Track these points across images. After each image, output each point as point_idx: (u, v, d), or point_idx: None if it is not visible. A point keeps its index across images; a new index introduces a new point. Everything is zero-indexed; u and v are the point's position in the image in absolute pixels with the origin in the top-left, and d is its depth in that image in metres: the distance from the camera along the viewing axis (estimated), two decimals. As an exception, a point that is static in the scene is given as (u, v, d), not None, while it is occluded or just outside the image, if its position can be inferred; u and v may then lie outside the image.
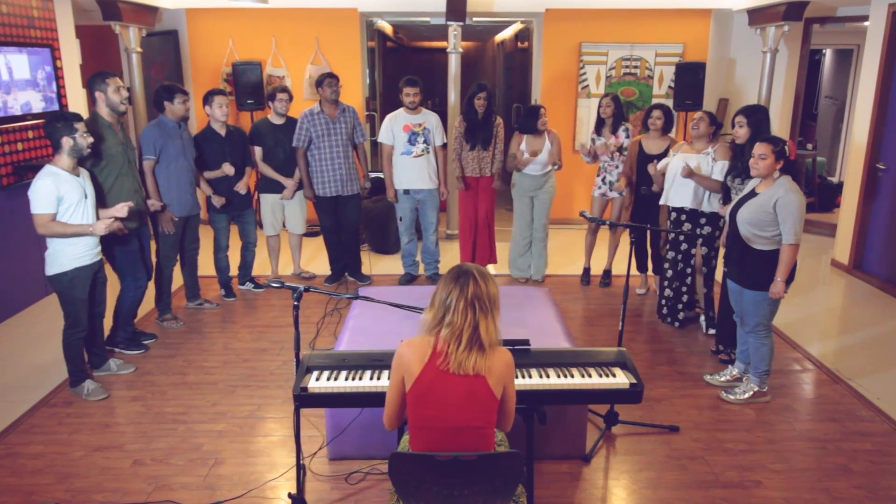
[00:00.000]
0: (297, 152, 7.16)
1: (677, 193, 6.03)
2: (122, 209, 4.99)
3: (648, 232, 7.06)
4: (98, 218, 5.02)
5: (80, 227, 4.84)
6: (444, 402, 2.84)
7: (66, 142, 4.75)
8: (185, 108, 6.16)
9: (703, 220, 6.01)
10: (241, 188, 6.84)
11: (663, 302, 6.51)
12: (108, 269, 5.39)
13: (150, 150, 6.02)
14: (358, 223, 7.61)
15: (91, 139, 4.89)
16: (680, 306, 6.38)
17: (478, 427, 2.88)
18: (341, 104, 7.22)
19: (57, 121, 4.76)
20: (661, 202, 6.22)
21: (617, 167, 7.22)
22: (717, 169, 5.79)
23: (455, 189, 7.69)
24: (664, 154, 6.49)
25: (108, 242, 5.48)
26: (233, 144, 6.77)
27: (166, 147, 6.07)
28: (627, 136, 7.20)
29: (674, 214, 6.17)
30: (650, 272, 7.32)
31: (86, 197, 4.92)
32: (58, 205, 4.75)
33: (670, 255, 6.30)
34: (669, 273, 6.35)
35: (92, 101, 5.47)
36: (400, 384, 2.93)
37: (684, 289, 6.32)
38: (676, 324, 6.43)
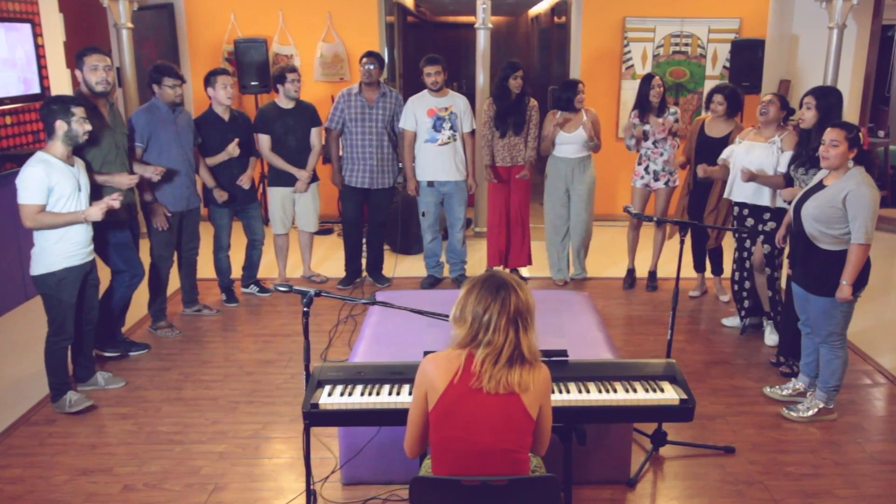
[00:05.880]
0: (330, 135, 7.27)
1: (739, 188, 6.00)
2: (114, 200, 5.02)
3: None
4: None
5: (72, 216, 4.88)
6: (472, 423, 2.81)
7: (60, 126, 4.79)
8: (175, 94, 6.12)
9: (766, 216, 5.95)
10: (244, 182, 6.85)
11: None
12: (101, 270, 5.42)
13: (138, 137, 6.02)
14: (385, 219, 7.64)
15: (89, 126, 4.93)
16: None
17: (510, 450, 2.85)
18: (383, 87, 7.26)
19: (53, 103, 4.84)
20: (725, 195, 6.18)
21: (661, 154, 7.15)
22: (784, 160, 5.74)
23: (484, 181, 7.68)
24: (726, 139, 6.46)
25: (101, 233, 5.49)
26: (237, 131, 6.77)
27: (156, 134, 6.08)
28: (676, 121, 7.13)
29: (736, 209, 6.15)
30: (708, 273, 7.27)
31: (80, 189, 4.97)
32: (48, 196, 4.79)
33: (735, 254, 6.26)
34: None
35: (76, 81, 5.54)
36: (423, 402, 2.90)
37: (744, 293, 6.28)
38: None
